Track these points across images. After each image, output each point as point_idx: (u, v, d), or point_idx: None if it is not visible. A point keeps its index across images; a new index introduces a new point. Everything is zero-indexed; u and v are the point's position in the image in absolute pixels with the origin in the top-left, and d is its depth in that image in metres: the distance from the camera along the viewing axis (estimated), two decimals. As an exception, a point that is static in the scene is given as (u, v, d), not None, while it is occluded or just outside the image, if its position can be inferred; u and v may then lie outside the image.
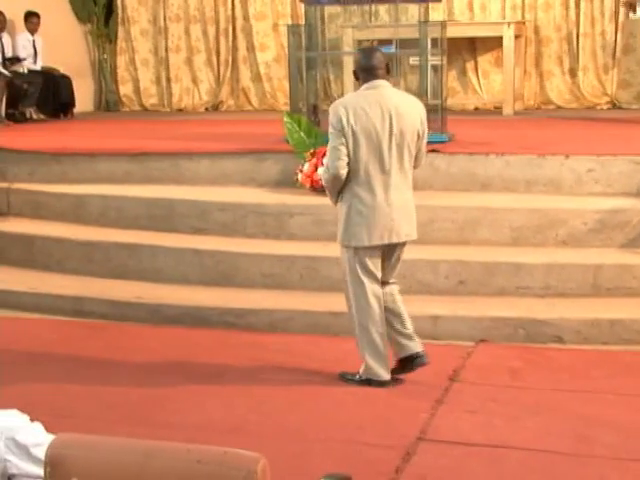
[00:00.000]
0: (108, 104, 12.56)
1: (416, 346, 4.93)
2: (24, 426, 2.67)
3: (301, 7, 9.81)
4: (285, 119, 7.21)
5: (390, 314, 4.92)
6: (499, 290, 5.98)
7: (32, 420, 2.73)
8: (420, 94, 7.54)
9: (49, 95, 11.03)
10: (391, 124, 4.73)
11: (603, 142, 7.44)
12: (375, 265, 4.85)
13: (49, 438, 2.55)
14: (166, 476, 2.29)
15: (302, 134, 7.10)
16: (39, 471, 2.56)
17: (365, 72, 4.82)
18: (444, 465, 4.05)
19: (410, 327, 4.94)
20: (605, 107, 10.63)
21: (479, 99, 11.11)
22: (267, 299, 6.10)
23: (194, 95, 12.28)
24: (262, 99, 12.03)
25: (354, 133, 4.69)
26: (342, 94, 10.44)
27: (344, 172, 4.72)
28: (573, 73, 10.88)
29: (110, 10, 12.44)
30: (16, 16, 10.90)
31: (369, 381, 4.91)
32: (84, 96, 12.15)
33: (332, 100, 11.09)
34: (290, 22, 11.03)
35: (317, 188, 6.84)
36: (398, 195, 4.79)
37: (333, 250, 6.30)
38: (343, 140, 4.69)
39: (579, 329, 5.58)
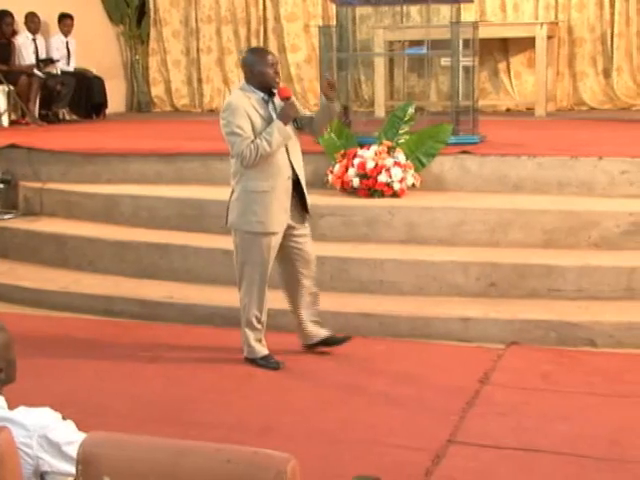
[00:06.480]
0: (140, 105, 12.64)
1: None
2: (56, 424, 2.69)
3: (332, 8, 9.82)
4: (316, 120, 7.18)
5: None
6: (531, 292, 5.93)
7: (64, 418, 2.75)
8: (451, 95, 7.55)
9: (82, 96, 11.10)
10: None
11: (637, 144, 7.33)
12: None
13: (81, 436, 2.57)
14: (196, 476, 2.29)
15: (333, 135, 7.08)
16: (71, 469, 2.57)
17: None
18: (474, 468, 4.02)
19: None
20: (640, 108, 10.56)
21: (511, 100, 11.06)
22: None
23: (225, 96, 12.25)
24: (293, 100, 12.03)
25: None
26: (372, 95, 10.49)
27: None
28: (607, 74, 10.80)
29: (142, 12, 12.55)
30: (50, 18, 11.00)
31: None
32: (116, 97, 12.23)
33: (363, 101, 11.17)
34: (321, 23, 11.05)
35: (347, 189, 6.84)
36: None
37: (363, 251, 6.33)
38: None
39: (612, 333, 5.51)
